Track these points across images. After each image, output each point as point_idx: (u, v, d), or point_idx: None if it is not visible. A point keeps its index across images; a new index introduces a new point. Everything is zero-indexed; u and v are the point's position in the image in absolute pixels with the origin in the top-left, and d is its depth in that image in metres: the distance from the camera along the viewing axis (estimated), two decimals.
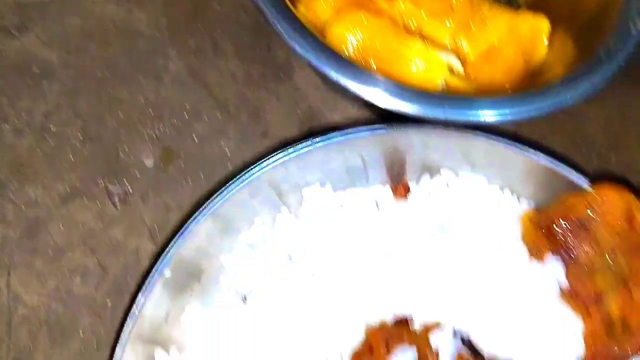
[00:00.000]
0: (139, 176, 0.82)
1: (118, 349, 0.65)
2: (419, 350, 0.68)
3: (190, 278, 0.75)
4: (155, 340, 0.72)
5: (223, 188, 0.70)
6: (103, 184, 0.81)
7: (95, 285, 0.78)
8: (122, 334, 0.65)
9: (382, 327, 0.69)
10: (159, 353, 0.71)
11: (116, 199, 0.81)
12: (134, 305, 0.66)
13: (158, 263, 0.67)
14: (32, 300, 0.77)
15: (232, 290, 0.78)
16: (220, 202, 0.69)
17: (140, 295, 0.66)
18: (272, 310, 0.73)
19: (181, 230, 0.68)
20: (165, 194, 0.81)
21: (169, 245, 0.68)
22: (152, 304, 0.69)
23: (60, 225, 0.79)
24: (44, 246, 0.79)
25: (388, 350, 0.67)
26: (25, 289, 0.77)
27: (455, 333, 0.70)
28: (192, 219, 0.69)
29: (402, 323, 0.71)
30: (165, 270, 0.67)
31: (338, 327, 0.71)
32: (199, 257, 0.74)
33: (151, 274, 0.66)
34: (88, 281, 0.78)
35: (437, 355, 0.68)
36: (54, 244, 0.79)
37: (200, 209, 0.69)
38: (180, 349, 0.73)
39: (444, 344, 0.69)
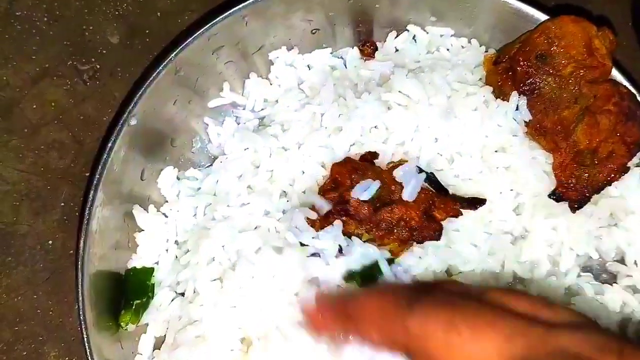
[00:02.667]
0: (106, 53, 0.83)
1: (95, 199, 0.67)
2: (382, 184, 0.69)
3: (164, 141, 0.76)
4: (133, 198, 0.74)
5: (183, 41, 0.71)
6: (72, 63, 0.82)
7: (72, 158, 0.80)
8: (94, 182, 0.67)
9: (347, 160, 0.70)
10: (137, 209, 0.73)
11: (85, 76, 0.82)
12: (104, 153, 0.67)
13: (125, 113, 0.68)
14: (12, 176, 0.79)
15: (204, 153, 0.80)
16: (180, 54, 0.70)
17: (109, 143, 0.68)
18: (243, 167, 0.75)
19: (144, 83, 0.69)
20: (132, 69, 0.82)
21: (134, 97, 0.69)
22: (123, 160, 0.70)
23: (33, 104, 0.81)
24: (19, 125, 0.80)
25: (352, 183, 0.69)
26: (4, 165, 0.79)
27: (419, 170, 0.71)
28: (154, 70, 0.70)
29: (368, 159, 0.72)
30: (131, 119, 0.69)
31: (307, 169, 0.73)
32: (169, 118, 0.75)
33: (118, 123, 0.68)
34: (65, 155, 0.80)
35: (400, 188, 0.70)
36: (28, 122, 0.80)
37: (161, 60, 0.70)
38: (158, 206, 0.75)
39: (407, 178, 0.70)
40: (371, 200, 0.69)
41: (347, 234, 0.67)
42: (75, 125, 0.81)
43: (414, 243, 0.71)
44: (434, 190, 0.72)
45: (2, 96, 0.81)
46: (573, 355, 0.46)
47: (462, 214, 0.72)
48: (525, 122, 0.75)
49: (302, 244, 0.67)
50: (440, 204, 0.71)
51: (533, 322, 0.49)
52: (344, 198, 0.68)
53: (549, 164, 0.75)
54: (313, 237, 0.67)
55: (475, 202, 0.73)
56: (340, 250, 0.66)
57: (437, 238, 0.70)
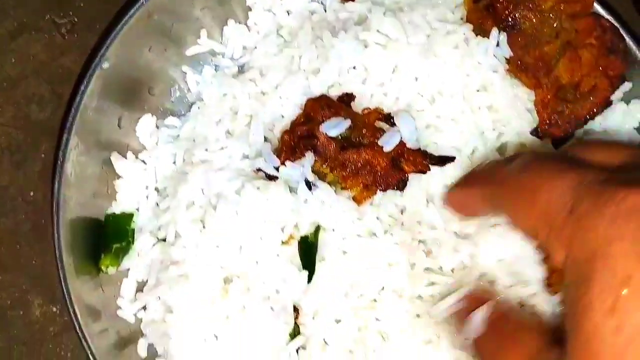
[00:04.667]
0: (83, 6, 0.82)
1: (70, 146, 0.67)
2: (354, 126, 0.68)
3: (141, 89, 0.76)
4: (111, 146, 0.73)
5: None
6: (49, 17, 0.82)
7: (51, 111, 0.80)
8: (66, 125, 0.67)
9: (322, 97, 0.70)
10: (115, 156, 0.73)
11: (63, 30, 0.82)
12: (76, 97, 0.67)
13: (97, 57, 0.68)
14: None
15: (184, 103, 0.79)
16: None
17: (81, 87, 0.67)
18: (222, 112, 0.74)
19: (116, 27, 0.69)
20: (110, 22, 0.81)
21: (106, 40, 0.68)
22: (98, 106, 0.70)
23: (12, 59, 0.81)
24: None
25: (323, 120, 0.68)
26: None
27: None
28: (125, 14, 0.69)
29: (344, 101, 0.71)
30: (103, 62, 0.68)
31: (286, 113, 0.72)
32: (145, 65, 0.75)
33: (90, 66, 0.67)
34: (45, 108, 0.80)
35: (372, 134, 0.68)
36: (7, 76, 0.80)
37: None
38: (136, 154, 0.75)
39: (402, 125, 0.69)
40: (340, 139, 0.68)
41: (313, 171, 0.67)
42: (54, 78, 0.81)
43: (377, 191, 0.69)
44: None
45: None
46: None
47: (429, 170, 0.70)
48: (506, 59, 0.74)
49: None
50: (409, 156, 0.70)
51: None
52: (313, 133, 0.68)
53: (531, 101, 0.74)
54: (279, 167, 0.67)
55: (444, 160, 0.71)
56: (309, 186, 0.66)
57: (401, 188, 0.69)
